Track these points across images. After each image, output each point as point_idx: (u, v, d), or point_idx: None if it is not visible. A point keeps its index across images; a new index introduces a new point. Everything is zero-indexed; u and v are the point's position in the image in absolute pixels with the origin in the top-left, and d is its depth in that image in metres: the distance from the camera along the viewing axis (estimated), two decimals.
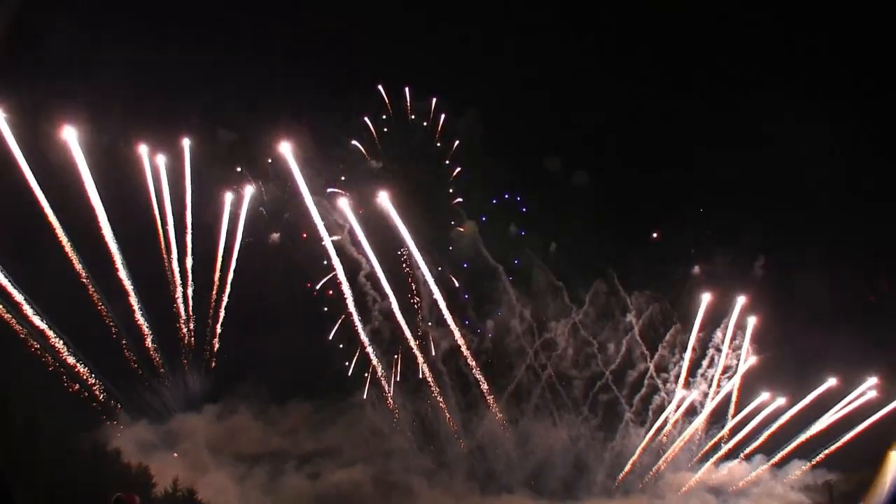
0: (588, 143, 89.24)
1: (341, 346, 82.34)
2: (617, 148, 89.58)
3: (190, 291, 78.48)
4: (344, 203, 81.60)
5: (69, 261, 69.85)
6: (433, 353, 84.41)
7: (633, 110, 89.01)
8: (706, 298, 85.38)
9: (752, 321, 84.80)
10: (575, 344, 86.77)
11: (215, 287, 79.51)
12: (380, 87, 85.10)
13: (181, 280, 77.76)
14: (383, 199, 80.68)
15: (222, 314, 79.59)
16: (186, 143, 77.78)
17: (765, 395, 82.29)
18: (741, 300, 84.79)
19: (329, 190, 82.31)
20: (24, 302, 66.01)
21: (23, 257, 66.28)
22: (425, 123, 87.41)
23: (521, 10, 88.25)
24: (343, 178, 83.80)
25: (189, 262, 78.39)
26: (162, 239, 76.78)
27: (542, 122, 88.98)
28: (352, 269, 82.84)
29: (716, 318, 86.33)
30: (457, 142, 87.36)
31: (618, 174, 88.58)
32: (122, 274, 73.41)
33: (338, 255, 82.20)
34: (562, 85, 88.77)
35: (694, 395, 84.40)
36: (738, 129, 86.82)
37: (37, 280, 66.95)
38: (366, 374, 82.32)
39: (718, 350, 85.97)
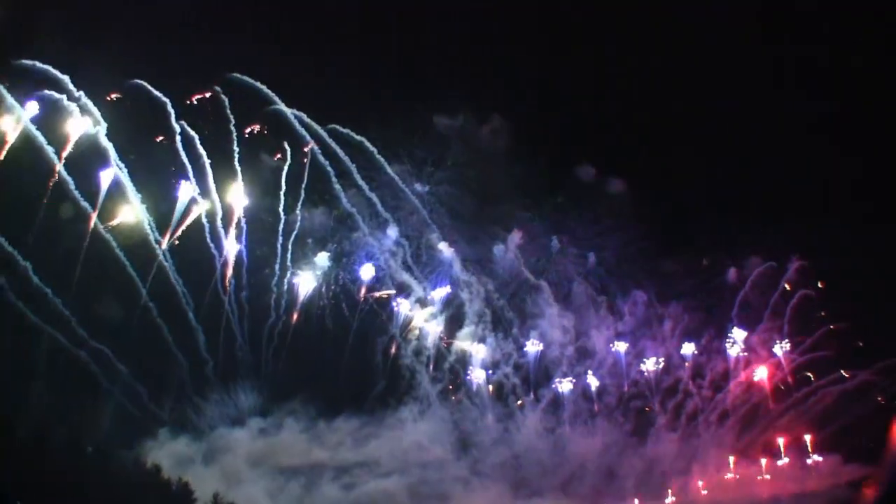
0: (621, 154, 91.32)
1: (390, 363, 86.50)
2: (648, 158, 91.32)
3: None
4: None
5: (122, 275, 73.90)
6: (475, 366, 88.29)
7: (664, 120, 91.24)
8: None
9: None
10: (613, 353, 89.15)
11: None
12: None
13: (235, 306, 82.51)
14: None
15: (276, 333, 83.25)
16: None
17: None
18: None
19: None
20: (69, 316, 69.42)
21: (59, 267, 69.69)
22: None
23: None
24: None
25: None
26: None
27: (572, 131, 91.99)
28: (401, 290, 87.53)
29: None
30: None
31: (652, 184, 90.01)
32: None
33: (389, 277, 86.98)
34: (590, 95, 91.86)
35: None
36: (767, 138, 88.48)
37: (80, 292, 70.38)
38: (412, 390, 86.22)
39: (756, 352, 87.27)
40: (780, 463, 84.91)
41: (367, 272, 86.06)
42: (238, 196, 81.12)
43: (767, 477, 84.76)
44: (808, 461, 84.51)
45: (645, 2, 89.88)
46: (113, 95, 76.58)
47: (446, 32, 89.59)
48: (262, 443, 78.62)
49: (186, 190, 78.12)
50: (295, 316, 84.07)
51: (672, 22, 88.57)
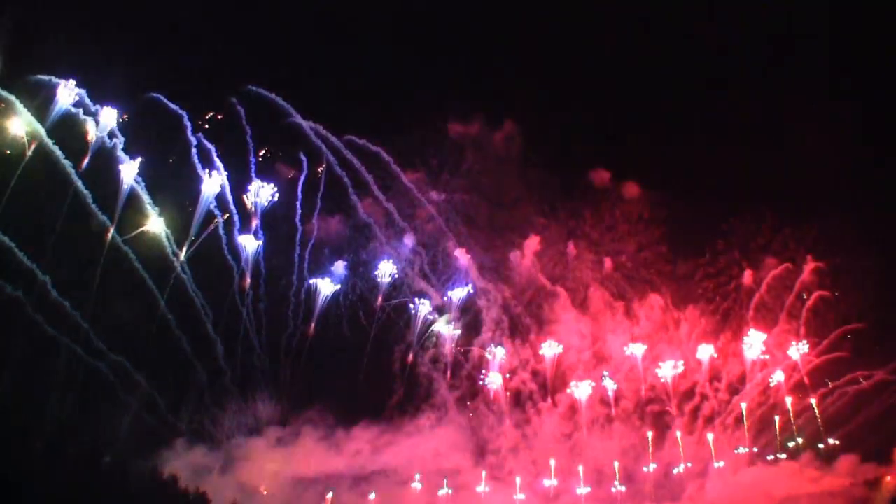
0: (635, 159, 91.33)
1: (407, 370, 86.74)
2: (663, 162, 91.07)
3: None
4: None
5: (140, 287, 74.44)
6: (493, 374, 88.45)
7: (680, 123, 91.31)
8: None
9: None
10: (629, 357, 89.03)
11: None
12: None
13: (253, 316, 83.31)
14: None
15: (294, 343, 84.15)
16: None
17: None
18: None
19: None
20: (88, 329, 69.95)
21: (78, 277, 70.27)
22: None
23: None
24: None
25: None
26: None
27: (586, 136, 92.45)
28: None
29: None
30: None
31: (667, 188, 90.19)
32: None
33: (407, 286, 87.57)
34: (603, 100, 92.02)
35: None
36: (780, 143, 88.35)
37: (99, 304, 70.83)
38: (430, 397, 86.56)
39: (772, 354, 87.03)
40: (791, 444, 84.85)
41: (385, 269, 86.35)
42: (256, 196, 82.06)
43: (783, 456, 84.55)
44: (821, 446, 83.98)
45: (660, 8, 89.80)
46: (129, 112, 77.00)
47: (458, 41, 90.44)
48: (280, 452, 78.95)
49: (207, 190, 79.12)
50: (312, 325, 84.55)
51: (688, 27, 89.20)
